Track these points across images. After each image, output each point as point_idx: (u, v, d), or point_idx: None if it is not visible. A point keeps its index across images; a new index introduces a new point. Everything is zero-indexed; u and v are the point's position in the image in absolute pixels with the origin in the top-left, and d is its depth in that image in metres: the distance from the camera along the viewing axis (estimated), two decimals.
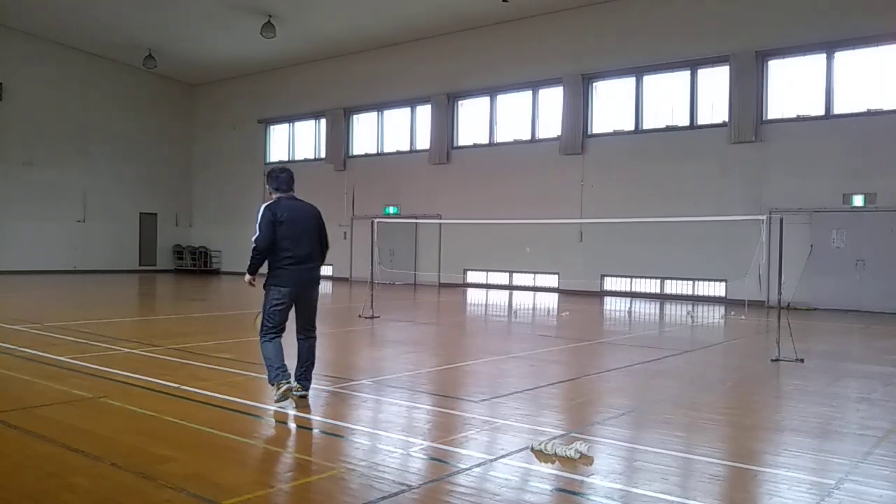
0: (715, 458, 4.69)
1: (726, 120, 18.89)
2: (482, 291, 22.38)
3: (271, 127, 30.17)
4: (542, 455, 4.56)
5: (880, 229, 16.83)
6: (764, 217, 10.90)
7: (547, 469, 4.37)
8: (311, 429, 5.32)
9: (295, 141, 29.51)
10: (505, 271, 23.17)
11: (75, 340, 9.41)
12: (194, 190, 32.60)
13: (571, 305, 17.47)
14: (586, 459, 4.48)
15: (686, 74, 19.86)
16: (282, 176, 6.07)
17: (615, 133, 21.09)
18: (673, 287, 19.97)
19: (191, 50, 27.74)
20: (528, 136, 22.89)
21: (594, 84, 21.52)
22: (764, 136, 18.41)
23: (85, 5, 23.87)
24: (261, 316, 5.97)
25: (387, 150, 26.47)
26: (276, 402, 5.65)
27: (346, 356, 9.26)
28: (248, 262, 6.07)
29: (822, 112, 17.81)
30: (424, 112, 25.09)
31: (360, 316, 13.09)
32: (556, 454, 4.55)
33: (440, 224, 23.34)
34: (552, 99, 22.23)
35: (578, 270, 20.92)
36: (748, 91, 18.40)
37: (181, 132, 32.19)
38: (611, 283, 20.97)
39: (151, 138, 30.66)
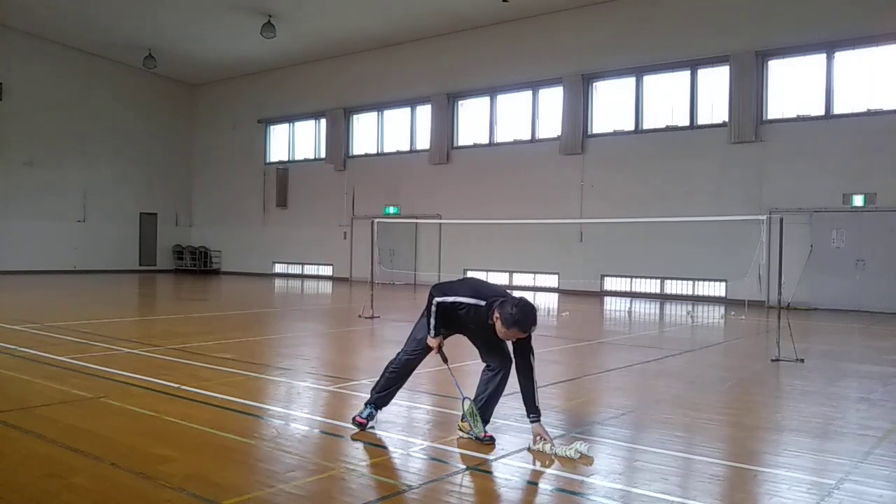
0: (715, 458, 4.69)
1: (726, 120, 18.88)
2: None
3: (271, 127, 30.16)
4: (541, 455, 4.56)
5: (880, 229, 16.82)
6: (764, 217, 10.91)
7: (547, 469, 4.37)
8: (311, 429, 5.32)
9: (295, 141, 29.50)
10: (505, 271, 23.15)
11: (75, 340, 9.41)
12: (194, 190, 32.59)
13: (571, 305, 17.47)
14: (586, 459, 4.48)
15: (686, 74, 19.86)
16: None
17: (615, 133, 21.08)
18: (673, 287, 19.97)
19: (191, 50, 27.73)
20: (528, 136, 22.88)
21: (594, 84, 21.52)
22: (764, 136, 18.40)
23: (85, 5, 23.87)
24: None
25: (387, 150, 26.46)
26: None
27: (346, 356, 9.26)
28: (429, 318, 5.17)
29: (822, 112, 17.81)
30: (424, 112, 25.08)
31: (360, 316, 13.10)
32: (556, 454, 4.56)
33: (440, 224, 23.33)
34: (552, 99, 22.22)
35: (578, 270, 20.92)
36: (748, 91, 18.40)
37: (181, 132, 32.18)
38: (611, 283, 20.97)
39: (151, 138, 30.65)
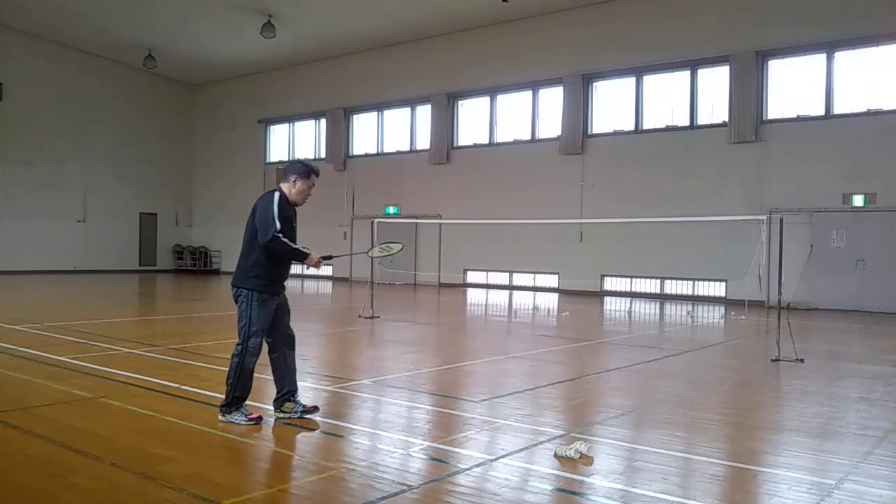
0: (715, 458, 4.69)
1: (726, 120, 18.89)
2: (482, 291, 22.38)
3: (271, 127, 30.17)
4: (564, 460, 4.51)
5: (880, 229, 16.83)
6: (764, 217, 10.91)
7: (547, 469, 4.37)
8: (311, 429, 5.32)
9: (295, 141, 29.51)
10: (505, 271, 23.17)
11: (75, 340, 9.41)
12: (194, 190, 32.60)
13: (571, 305, 17.47)
14: (586, 459, 4.48)
15: (686, 74, 19.86)
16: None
17: (615, 133, 21.09)
18: (673, 287, 19.97)
19: (191, 50, 27.73)
20: (528, 136, 22.89)
21: (594, 84, 21.52)
22: (764, 136, 18.41)
23: (85, 5, 23.87)
24: None
25: (387, 150, 26.47)
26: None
27: (346, 356, 9.26)
28: (291, 251, 5.35)
29: (822, 112, 17.81)
30: (424, 112, 25.08)
31: (360, 316, 13.10)
32: (555, 454, 4.55)
33: (440, 224, 23.34)
34: (552, 99, 22.23)
35: (578, 270, 20.92)
36: (748, 91, 18.40)
37: (181, 132, 32.19)
38: (611, 283, 20.97)
39: (151, 138, 30.66)
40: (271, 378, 5.55)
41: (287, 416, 5.42)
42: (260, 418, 5.28)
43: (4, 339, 9.32)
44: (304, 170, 5.49)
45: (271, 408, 5.54)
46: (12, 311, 13.56)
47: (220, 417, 5.27)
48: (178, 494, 3.76)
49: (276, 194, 5.41)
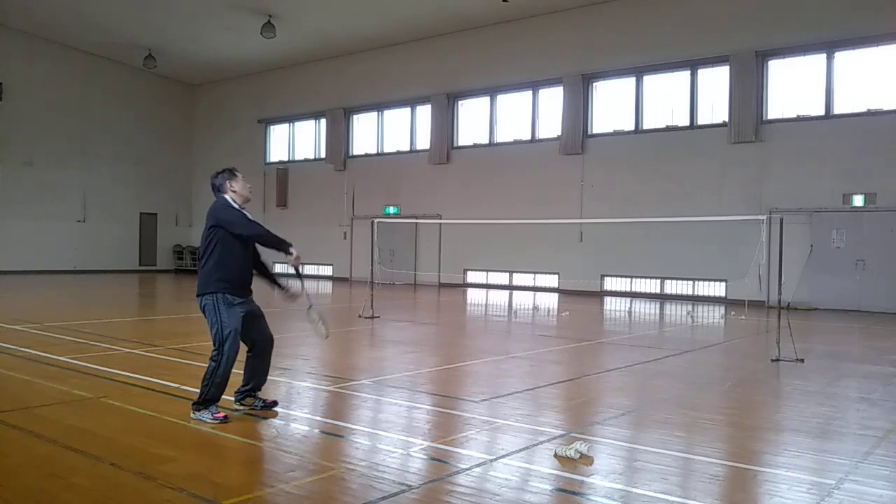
0: (715, 458, 4.69)
1: (726, 120, 18.89)
2: (482, 291, 22.38)
3: (271, 127, 30.16)
4: (564, 460, 4.51)
5: (880, 229, 16.83)
6: (764, 217, 10.90)
7: (547, 469, 4.37)
8: (311, 429, 5.32)
9: (295, 141, 29.51)
10: (505, 271, 23.17)
11: (75, 340, 9.41)
12: (194, 190, 32.59)
13: (571, 305, 17.47)
14: (586, 459, 4.48)
15: (686, 74, 19.86)
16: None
17: (615, 133, 21.09)
18: (673, 287, 19.97)
19: (191, 50, 27.73)
20: (528, 136, 22.89)
21: (594, 84, 21.52)
22: (764, 136, 18.41)
23: (85, 5, 23.87)
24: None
25: (387, 150, 26.47)
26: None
27: (346, 356, 9.26)
28: (275, 237, 5.48)
29: (822, 112, 17.81)
30: (424, 112, 25.08)
31: (360, 316, 13.10)
32: (555, 454, 4.55)
33: (440, 224, 23.33)
34: (552, 99, 22.22)
35: (578, 270, 20.91)
36: (748, 91, 18.40)
37: (181, 132, 32.20)
38: (611, 283, 20.97)
39: (152, 138, 30.67)
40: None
41: (246, 408, 5.57)
42: (226, 417, 5.28)
43: (4, 339, 9.32)
44: (227, 173, 5.64)
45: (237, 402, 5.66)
46: (12, 311, 13.56)
47: (192, 415, 5.31)
48: (178, 494, 3.76)
49: (227, 198, 5.58)
